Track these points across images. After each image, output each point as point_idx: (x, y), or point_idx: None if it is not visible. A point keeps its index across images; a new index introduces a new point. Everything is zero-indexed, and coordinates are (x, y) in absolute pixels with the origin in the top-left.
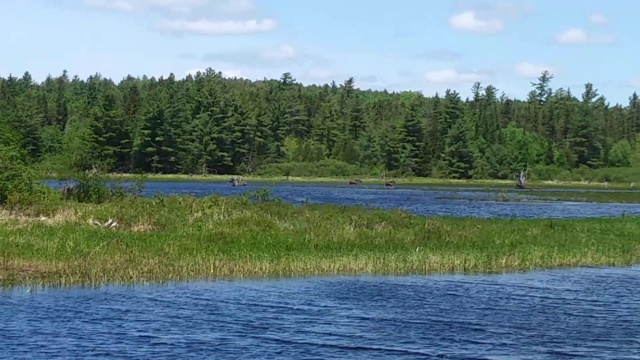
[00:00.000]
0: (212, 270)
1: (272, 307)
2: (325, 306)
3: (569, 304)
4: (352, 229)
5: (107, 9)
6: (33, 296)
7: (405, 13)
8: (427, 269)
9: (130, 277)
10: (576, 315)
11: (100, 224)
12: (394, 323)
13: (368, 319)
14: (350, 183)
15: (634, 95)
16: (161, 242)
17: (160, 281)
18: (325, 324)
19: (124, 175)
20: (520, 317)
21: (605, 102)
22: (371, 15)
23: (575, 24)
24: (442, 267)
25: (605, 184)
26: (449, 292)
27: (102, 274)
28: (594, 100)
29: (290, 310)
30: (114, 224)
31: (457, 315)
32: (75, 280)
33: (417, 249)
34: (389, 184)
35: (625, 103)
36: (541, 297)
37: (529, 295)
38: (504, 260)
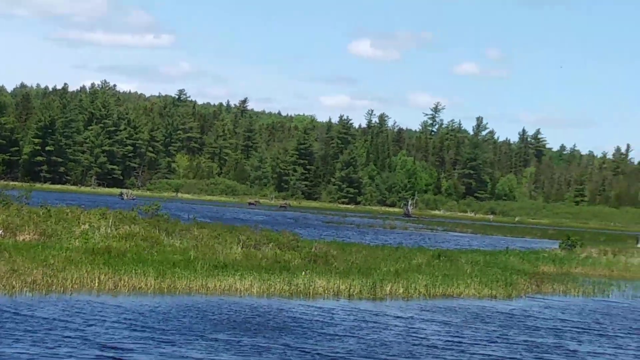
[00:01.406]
0: (96, 284)
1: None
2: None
3: (439, 337)
4: (239, 249)
5: (4, 15)
6: None
7: (304, 36)
8: (312, 292)
9: (13, 287)
10: (441, 349)
11: None
12: (252, 346)
13: (219, 340)
14: (250, 203)
15: (523, 130)
16: (46, 253)
17: (44, 292)
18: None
19: (12, 183)
20: (382, 347)
21: (495, 136)
22: (270, 37)
23: (471, 57)
24: (327, 292)
25: (491, 216)
26: (323, 318)
27: None
28: (484, 133)
29: (141, 329)
30: None
31: (319, 341)
32: None
33: (304, 273)
34: (284, 206)
35: (514, 138)
36: (416, 328)
37: (406, 326)
38: (388, 288)
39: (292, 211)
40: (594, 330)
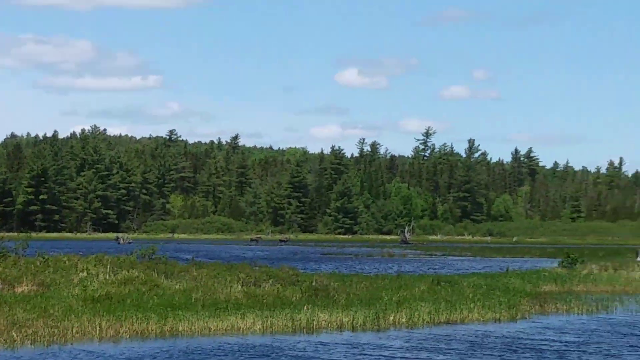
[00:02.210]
0: (97, 332)
1: None
2: None
3: None
4: (239, 287)
5: None
6: None
7: (290, 69)
8: (315, 327)
9: (14, 341)
10: None
11: None
12: None
13: None
14: (252, 240)
15: (515, 150)
16: (45, 303)
17: (45, 344)
18: None
19: (7, 234)
20: None
21: (488, 157)
22: (256, 72)
23: (458, 80)
24: (330, 325)
25: (489, 238)
26: (327, 354)
27: None
28: (476, 155)
29: None
30: None
31: None
32: None
33: (305, 308)
34: (284, 240)
35: (507, 158)
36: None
37: (414, 358)
38: (391, 317)
39: (291, 245)
40: (600, 348)
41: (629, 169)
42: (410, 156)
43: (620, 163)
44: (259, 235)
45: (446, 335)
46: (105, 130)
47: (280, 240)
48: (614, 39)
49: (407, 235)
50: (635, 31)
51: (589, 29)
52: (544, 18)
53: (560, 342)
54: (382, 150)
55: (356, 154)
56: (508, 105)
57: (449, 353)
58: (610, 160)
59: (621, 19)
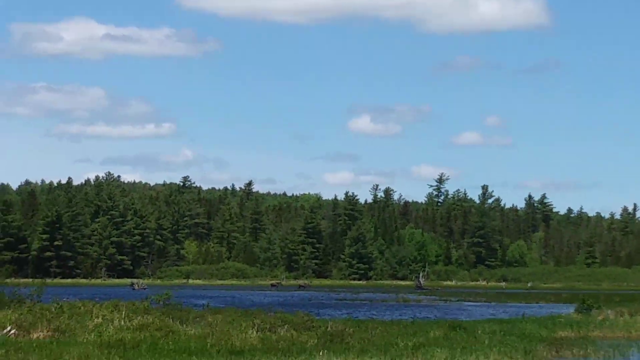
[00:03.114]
0: None
1: None
2: None
3: None
4: (255, 333)
5: (4, 114)
6: None
7: (302, 116)
8: None
9: None
10: None
11: None
12: None
13: None
14: (272, 285)
15: (529, 196)
16: (61, 350)
17: None
18: None
19: (23, 280)
20: None
21: (502, 203)
22: (270, 119)
23: (471, 127)
24: None
25: (504, 284)
26: None
27: None
28: (490, 201)
29: None
30: (12, 332)
31: None
32: None
33: (321, 353)
34: (303, 286)
35: (520, 204)
36: None
37: None
38: None
39: (310, 291)
40: None
41: None
42: (423, 202)
43: (634, 209)
44: (278, 281)
45: None
46: (119, 176)
47: (300, 286)
48: (626, 84)
49: (421, 280)
50: None
51: (602, 75)
52: (555, 65)
53: None
54: (395, 196)
55: (370, 200)
56: (521, 152)
57: None
58: (624, 206)
59: (635, 64)
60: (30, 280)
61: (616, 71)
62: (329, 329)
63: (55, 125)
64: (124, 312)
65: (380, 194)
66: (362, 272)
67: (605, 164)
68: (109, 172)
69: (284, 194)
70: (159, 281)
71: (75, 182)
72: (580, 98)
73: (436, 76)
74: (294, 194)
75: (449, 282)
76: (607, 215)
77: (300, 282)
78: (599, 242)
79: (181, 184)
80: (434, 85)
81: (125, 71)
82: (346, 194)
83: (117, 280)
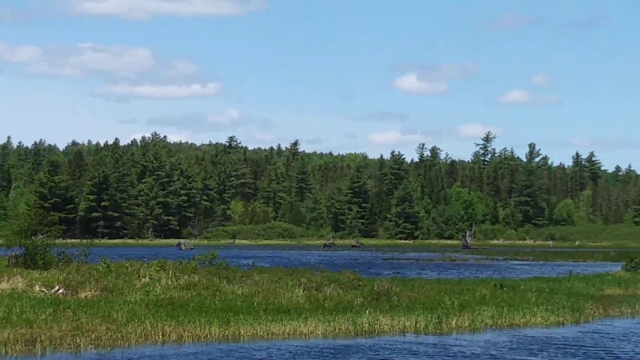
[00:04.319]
0: (160, 337)
1: None
2: None
3: None
4: (301, 291)
5: (50, 75)
6: None
7: (348, 76)
8: (377, 331)
9: (78, 345)
10: None
11: (46, 291)
12: None
13: None
14: (325, 245)
15: (577, 154)
16: (109, 308)
17: (108, 348)
18: None
19: (70, 241)
20: None
21: (549, 162)
22: (315, 79)
23: (517, 85)
24: (392, 329)
25: (551, 242)
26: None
27: (48, 343)
28: (537, 159)
29: None
30: (60, 291)
31: None
32: (21, 350)
33: (367, 312)
34: (356, 245)
35: (568, 162)
36: None
37: None
38: (454, 321)
39: (358, 251)
40: None
41: None
42: (470, 161)
43: None
44: (332, 241)
45: (510, 339)
46: (165, 137)
47: (353, 246)
48: None
49: (468, 240)
50: None
51: None
52: (603, 21)
53: (630, 344)
54: (442, 155)
55: (416, 159)
56: (568, 110)
57: (516, 356)
58: None
59: None
60: (78, 240)
61: None
62: (375, 287)
63: (101, 86)
64: (171, 272)
65: (427, 153)
66: (409, 231)
67: None
68: (155, 133)
69: (330, 153)
70: (205, 241)
71: (122, 143)
72: (627, 53)
73: (483, 34)
74: (340, 154)
75: (495, 241)
76: None
77: (353, 242)
78: None
79: (227, 144)
80: (481, 43)
81: (171, 31)
82: (392, 153)
83: (164, 241)
